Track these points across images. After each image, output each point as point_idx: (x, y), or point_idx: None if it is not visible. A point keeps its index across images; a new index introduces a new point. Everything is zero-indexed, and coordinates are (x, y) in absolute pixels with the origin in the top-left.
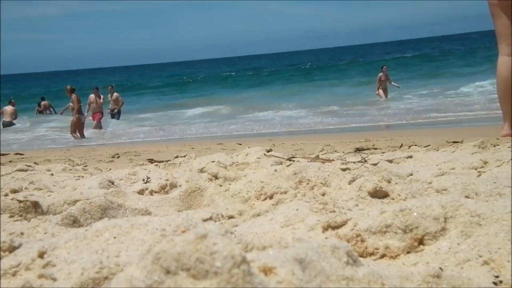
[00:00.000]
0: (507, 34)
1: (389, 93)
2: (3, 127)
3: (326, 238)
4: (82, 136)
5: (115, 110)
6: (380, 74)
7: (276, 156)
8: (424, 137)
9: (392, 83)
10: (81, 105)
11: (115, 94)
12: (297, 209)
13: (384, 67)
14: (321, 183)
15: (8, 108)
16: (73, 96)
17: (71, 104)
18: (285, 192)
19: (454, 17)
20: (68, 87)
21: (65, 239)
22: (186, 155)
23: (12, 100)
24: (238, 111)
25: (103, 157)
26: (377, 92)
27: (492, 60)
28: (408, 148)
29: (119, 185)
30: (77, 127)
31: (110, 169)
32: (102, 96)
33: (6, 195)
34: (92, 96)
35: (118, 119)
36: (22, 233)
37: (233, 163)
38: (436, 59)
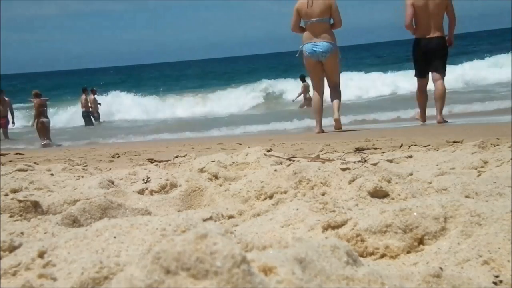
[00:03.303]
0: (316, 83)
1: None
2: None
3: (326, 237)
4: (49, 139)
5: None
6: (306, 83)
7: (276, 156)
8: (424, 137)
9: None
10: (44, 109)
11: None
12: (297, 209)
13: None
14: (321, 183)
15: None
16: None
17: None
18: (285, 192)
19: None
20: (34, 92)
21: (65, 238)
22: (186, 155)
23: (94, 89)
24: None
25: (103, 157)
26: (300, 103)
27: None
28: (408, 148)
29: (119, 185)
30: (43, 131)
31: (110, 169)
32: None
33: (6, 195)
34: None
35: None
36: (22, 233)
37: (233, 163)
38: None
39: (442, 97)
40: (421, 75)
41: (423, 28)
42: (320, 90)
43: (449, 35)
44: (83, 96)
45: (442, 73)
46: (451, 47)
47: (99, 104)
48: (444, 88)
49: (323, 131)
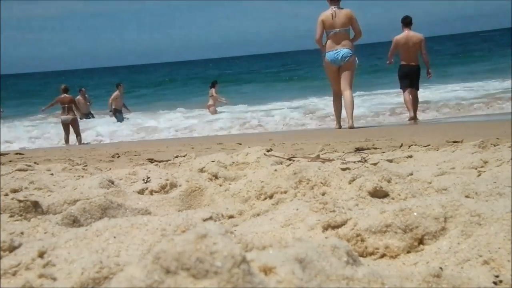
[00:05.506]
0: (336, 87)
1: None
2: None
3: (326, 237)
4: (68, 135)
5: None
6: (212, 90)
7: (276, 156)
8: (424, 136)
9: (220, 99)
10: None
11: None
12: (297, 209)
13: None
14: (321, 183)
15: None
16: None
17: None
18: (285, 192)
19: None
20: (64, 86)
21: (65, 238)
22: (186, 154)
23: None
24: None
25: (103, 156)
26: (208, 109)
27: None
28: (408, 148)
29: (119, 184)
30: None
31: (110, 168)
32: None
33: (6, 194)
34: None
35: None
36: (22, 233)
37: (233, 162)
38: None
39: (415, 99)
40: (403, 89)
41: (404, 58)
42: (339, 93)
43: (427, 70)
44: (117, 93)
45: (417, 87)
46: (430, 77)
47: (89, 103)
48: (417, 96)
49: (341, 127)
